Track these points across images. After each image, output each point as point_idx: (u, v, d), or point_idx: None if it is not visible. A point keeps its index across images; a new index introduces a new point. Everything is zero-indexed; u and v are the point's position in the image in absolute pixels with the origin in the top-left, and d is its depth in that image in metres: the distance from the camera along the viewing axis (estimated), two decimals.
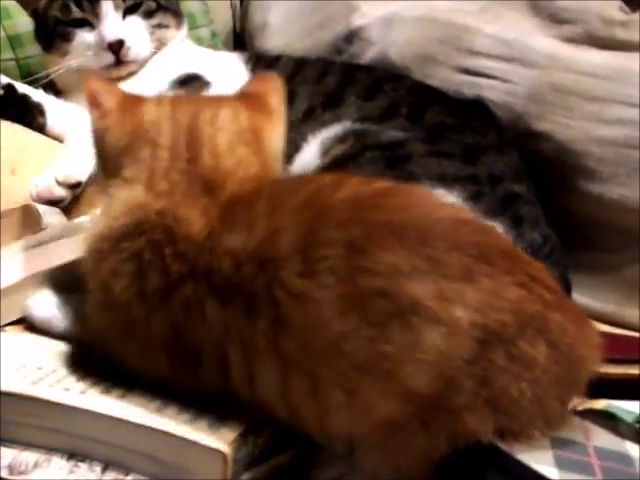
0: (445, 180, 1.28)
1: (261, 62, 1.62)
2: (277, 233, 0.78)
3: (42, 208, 1.12)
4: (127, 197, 0.86)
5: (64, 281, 0.93)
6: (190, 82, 1.53)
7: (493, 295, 0.76)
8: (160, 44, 1.60)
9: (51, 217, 1.12)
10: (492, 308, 0.75)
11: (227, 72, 1.60)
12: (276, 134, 0.93)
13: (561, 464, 0.77)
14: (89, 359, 0.87)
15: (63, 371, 0.88)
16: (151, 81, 1.52)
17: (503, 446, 0.76)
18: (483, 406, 0.75)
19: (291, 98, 1.46)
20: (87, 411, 0.82)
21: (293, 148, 1.38)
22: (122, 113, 0.91)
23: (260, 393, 0.80)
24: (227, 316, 0.79)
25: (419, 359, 0.74)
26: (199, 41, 1.83)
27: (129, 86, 1.52)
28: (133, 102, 0.93)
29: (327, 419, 0.77)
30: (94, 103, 0.93)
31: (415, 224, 0.79)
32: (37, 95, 1.53)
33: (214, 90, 1.50)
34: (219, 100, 0.94)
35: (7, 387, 0.84)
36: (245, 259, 0.79)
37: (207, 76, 1.56)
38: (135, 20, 1.58)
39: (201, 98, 0.93)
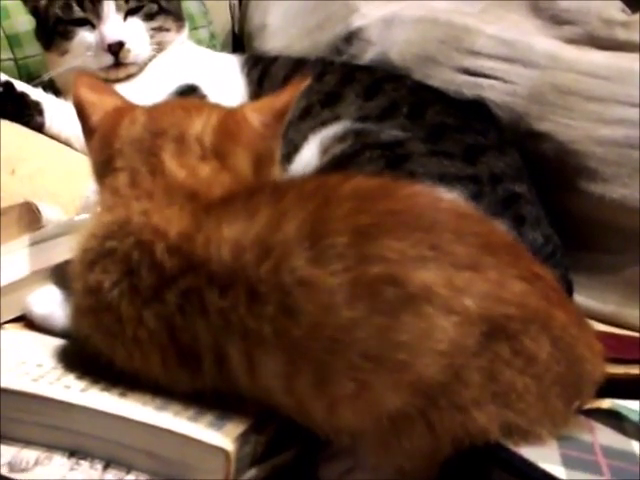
0: (446, 179, 1.29)
1: (259, 64, 1.62)
2: (283, 218, 0.78)
3: (41, 206, 1.11)
4: (106, 201, 0.88)
5: (63, 279, 0.92)
6: (188, 94, 1.54)
7: (499, 287, 0.75)
8: (160, 47, 1.61)
9: (50, 215, 1.11)
10: (498, 300, 0.75)
11: (223, 78, 1.61)
12: (247, 153, 0.90)
13: (568, 463, 0.77)
14: (89, 357, 0.86)
15: (63, 369, 0.87)
16: (150, 90, 1.52)
17: (510, 445, 0.76)
18: (490, 402, 0.74)
19: None
20: (88, 409, 0.81)
21: (292, 147, 1.38)
22: (104, 133, 0.92)
23: (263, 385, 0.79)
24: (227, 304, 0.78)
25: (431, 348, 0.73)
26: (198, 42, 1.84)
27: (127, 89, 1.52)
28: (115, 117, 0.92)
29: (334, 411, 0.76)
30: (82, 117, 0.94)
31: (420, 213, 0.78)
32: (35, 94, 1.53)
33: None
34: (195, 112, 0.92)
35: (7, 384, 0.83)
36: (247, 245, 0.78)
37: (204, 87, 1.56)
38: (136, 22, 1.58)
39: (176, 110, 0.92)
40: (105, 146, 0.91)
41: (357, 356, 0.74)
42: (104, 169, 0.90)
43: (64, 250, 0.97)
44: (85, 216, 1.00)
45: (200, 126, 0.89)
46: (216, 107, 0.94)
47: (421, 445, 0.75)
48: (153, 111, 0.93)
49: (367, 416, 0.75)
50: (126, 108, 0.94)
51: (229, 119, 0.91)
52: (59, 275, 0.98)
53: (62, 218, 1.16)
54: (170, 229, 0.81)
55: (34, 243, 1.05)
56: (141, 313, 0.81)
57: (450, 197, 0.99)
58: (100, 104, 0.94)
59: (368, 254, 0.75)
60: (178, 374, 0.82)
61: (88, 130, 0.94)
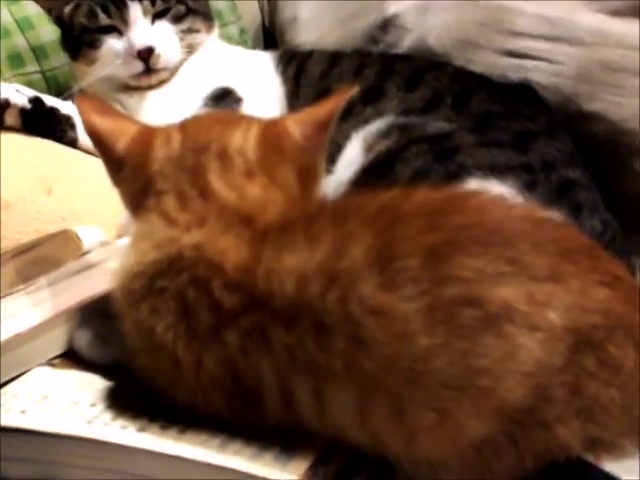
0: (497, 170, 1.25)
1: (293, 60, 1.58)
2: (348, 243, 0.73)
3: (81, 230, 1.08)
4: (151, 231, 0.82)
5: (110, 308, 0.88)
6: (223, 98, 1.50)
7: (582, 296, 0.72)
8: (191, 49, 1.56)
9: (92, 239, 1.08)
10: (582, 310, 0.71)
11: (258, 79, 1.57)
12: (292, 167, 0.85)
13: None
14: (144, 394, 0.82)
15: (117, 407, 0.83)
16: (183, 95, 1.49)
17: (591, 459, 0.73)
18: (574, 417, 0.71)
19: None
20: (148, 451, 0.77)
21: (336, 148, 1.34)
22: (136, 160, 0.86)
23: (333, 420, 0.75)
24: (292, 340, 0.74)
25: (516, 371, 0.69)
26: (228, 39, 1.80)
27: (160, 96, 1.51)
28: (144, 140, 0.87)
29: (414, 443, 0.73)
30: (102, 148, 0.88)
31: (494, 225, 0.75)
32: (66, 107, 1.49)
33: (246, 104, 1.49)
34: (234, 124, 0.87)
35: (61, 429, 0.80)
36: (311, 275, 0.73)
37: (239, 89, 1.53)
38: (164, 25, 1.54)
39: (213, 124, 0.87)
40: (140, 172, 0.85)
41: (437, 385, 0.70)
42: (141, 196, 0.85)
43: (109, 278, 0.93)
44: (127, 239, 0.96)
45: (241, 138, 0.85)
46: (253, 118, 0.90)
47: (505, 462, 0.72)
48: (187, 127, 0.87)
49: (451, 445, 0.72)
50: (153, 129, 0.89)
51: (270, 130, 0.86)
52: (105, 304, 0.94)
53: (103, 239, 1.13)
54: (227, 262, 0.77)
55: (78, 271, 1.02)
56: (201, 357, 0.78)
57: (521, 202, 0.95)
58: (120, 130, 0.87)
59: (443, 275, 0.71)
60: (243, 412, 0.79)
61: (114, 161, 0.87)
